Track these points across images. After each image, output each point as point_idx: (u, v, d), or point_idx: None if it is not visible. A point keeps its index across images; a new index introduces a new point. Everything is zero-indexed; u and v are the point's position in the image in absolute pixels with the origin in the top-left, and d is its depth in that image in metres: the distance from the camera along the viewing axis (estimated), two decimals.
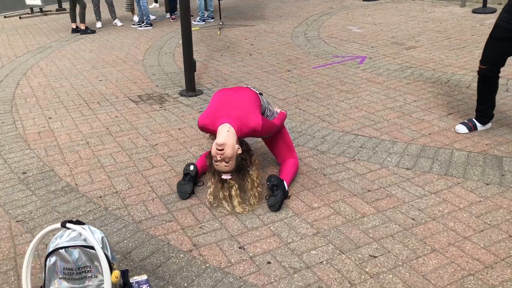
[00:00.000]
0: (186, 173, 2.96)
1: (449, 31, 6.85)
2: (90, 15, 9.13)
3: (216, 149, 2.51)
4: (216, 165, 2.57)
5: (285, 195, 2.77)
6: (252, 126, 2.59)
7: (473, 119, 3.61)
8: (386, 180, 2.97)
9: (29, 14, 10.47)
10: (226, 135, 2.53)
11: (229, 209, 2.66)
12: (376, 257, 2.28)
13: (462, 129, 3.56)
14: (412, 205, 2.70)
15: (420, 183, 2.93)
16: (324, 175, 3.07)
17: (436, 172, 3.04)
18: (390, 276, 2.16)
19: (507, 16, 3.15)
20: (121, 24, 8.76)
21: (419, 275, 2.16)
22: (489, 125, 3.61)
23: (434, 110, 4.05)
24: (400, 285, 2.10)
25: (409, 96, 4.41)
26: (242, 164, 2.63)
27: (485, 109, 3.54)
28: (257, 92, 2.92)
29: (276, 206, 2.67)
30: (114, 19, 8.84)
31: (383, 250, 2.33)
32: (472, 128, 3.56)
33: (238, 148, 2.58)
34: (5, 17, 10.25)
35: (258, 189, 2.71)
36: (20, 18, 10.03)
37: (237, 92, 2.78)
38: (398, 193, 2.82)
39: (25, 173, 3.18)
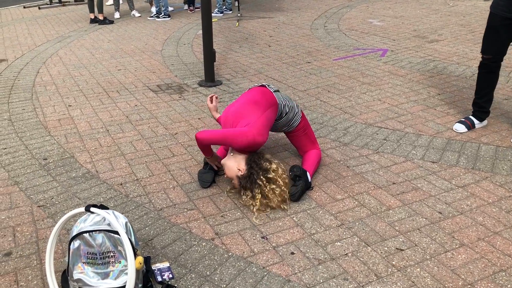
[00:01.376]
0: (207, 162, 2.93)
1: (473, 24, 6.72)
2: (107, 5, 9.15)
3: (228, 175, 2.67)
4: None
5: (308, 186, 2.73)
6: (245, 144, 2.55)
7: (470, 117, 3.50)
8: (412, 173, 2.91)
9: (48, 4, 10.53)
10: (228, 157, 2.66)
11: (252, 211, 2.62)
12: (403, 250, 2.23)
13: (461, 128, 3.45)
14: (439, 199, 2.64)
15: (446, 177, 2.86)
16: (348, 167, 3.01)
17: (463, 166, 2.97)
18: (418, 269, 2.11)
19: (502, 3, 3.06)
20: (139, 15, 8.76)
21: (448, 269, 2.10)
22: (485, 122, 3.51)
23: (459, 104, 3.96)
24: (428, 279, 2.05)
25: (433, 90, 4.32)
26: (256, 182, 2.58)
27: (483, 102, 3.42)
28: (272, 90, 2.86)
29: (295, 196, 2.63)
30: (132, 10, 8.85)
31: (410, 244, 2.27)
32: (470, 126, 3.46)
33: (239, 170, 2.58)
34: (24, 7, 10.32)
35: (279, 204, 2.61)
36: (39, 8, 10.10)
37: (243, 105, 2.71)
38: (424, 186, 2.76)
39: (46, 159, 3.19)
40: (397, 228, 2.40)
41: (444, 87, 4.38)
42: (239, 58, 5.69)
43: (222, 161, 2.67)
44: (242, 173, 2.57)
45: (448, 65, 5.02)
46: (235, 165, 2.59)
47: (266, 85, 2.91)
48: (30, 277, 2.11)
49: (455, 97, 4.12)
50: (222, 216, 2.53)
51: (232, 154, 2.65)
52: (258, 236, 2.36)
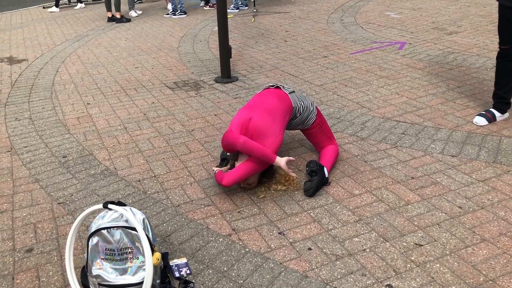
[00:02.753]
0: (223, 158, 2.94)
1: (493, 15, 6.57)
2: (124, 4, 9.22)
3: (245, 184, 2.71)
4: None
5: (324, 182, 2.71)
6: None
7: (491, 109, 3.42)
8: (431, 167, 2.87)
9: (66, 4, 10.66)
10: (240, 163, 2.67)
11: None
12: (422, 245, 2.20)
13: (481, 121, 3.37)
14: (458, 193, 2.59)
15: (466, 171, 2.81)
16: (365, 161, 2.98)
17: (484, 160, 2.91)
18: (438, 265, 2.07)
19: None
20: (136, 15, 8.66)
21: (469, 265, 2.07)
22: (506, 114, 3.42)
23: (479, 96, 3.88)
24: (448, 275, 2.01)
25: (452, 82, 4.25)
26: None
27: (504, 93, 3.34)
28: (288, 91, 2.84)
29: (310, 191, 2.61)
30: (130, 10, 8.78)
31: (429, 239, 2.24)
32: (491, 119, 3.37)
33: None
34: (43, 7, 10.47)
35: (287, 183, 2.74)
36: (44, 8, 10.21)
37: (261, 115, 2.68)
38: (444, 181, 2.72)
39: (65, 157, 3.23)
40: (416, 223, 2.36)
41: (463, 79, 4.30)
42: (255, 53, 5.67)
43: (250, 181, 2.70)
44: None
45: (468, 57, 4.92)
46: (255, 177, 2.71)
47: (281, 87, 2.89)
48: (51, 273, 2.15)
49: (475, 89, 4.04)
50: (239, 212, 2.53)
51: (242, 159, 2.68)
52: (275, 231, 2.36)
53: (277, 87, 2.89)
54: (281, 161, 2.59)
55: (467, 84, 4.17)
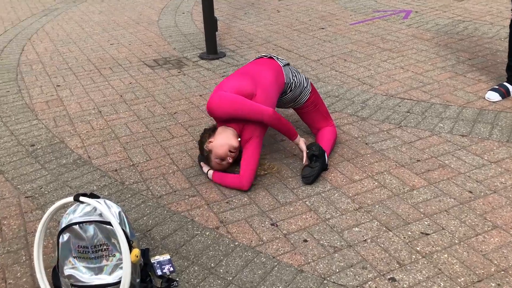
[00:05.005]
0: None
1: None
2: None
3: (229, 151, 2.62)
4: (218, 163, 2.66)
5: (324, 168, 2.71)
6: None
7: (505, 83, 3.43)
8: (438, 149, 2.87)
9: None
10: (218, 137, 2.66)
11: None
12: (428, 234, 2.22)
13: (494, 96, 3.37)
14: (469, 176, 2.60)
15: (478, 152, 2.82)
16: (366, 144, 2.99)
17: (497, 139, 2.93)
18: (445, 255, 2.09)
19: None
20: None
21: (479, 254, 2.09)
22: None
23: (492, 69, 3.88)
24: (457, 266, 2.03)
25: (462, 54, 4.24)
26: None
27: None
28: (282, 64, 2.84)
29: (310, 179, 2.62)
30: None
31: (436, 227, 2.26)
32: (505, 94, 3.38)
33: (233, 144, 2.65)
34: None
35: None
36: None
37: (241, 75, 2.73)
38: (453, 163, 2.73)
39: (34, 145, 3.21)
40: (422, 210, 2.38)
41: (475, 51, 4.29)
42: (244, 26, 5.63)
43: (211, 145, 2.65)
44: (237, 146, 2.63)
45: (480, 25, 4.91)
46: (231, 138, 2.62)
47: (275, 58, 2.88)
48: (19, 274, 2.15)
49: (487, 62, 4.04)
50: (227, 202, 2.54)
51: (220, 133, 2.64)
52: (267, 223, 2.37)
53: (270, 58, 2.88)
54: (301, 141, 2.72)
55: (479, 56, 4.17)
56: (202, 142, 2.71)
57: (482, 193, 2.47)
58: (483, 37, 4.60)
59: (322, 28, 5.30)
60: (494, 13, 5.26)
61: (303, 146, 2.71)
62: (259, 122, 2.60)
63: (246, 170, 2.61)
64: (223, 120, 2.64)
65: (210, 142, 2.64)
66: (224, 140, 2.60)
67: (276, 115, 2.57)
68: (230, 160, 2.64)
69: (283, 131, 2.63)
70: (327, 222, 2.35)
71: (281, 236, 2.27)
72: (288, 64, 2.88)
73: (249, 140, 2.63)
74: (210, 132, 2.70)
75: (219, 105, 2.58)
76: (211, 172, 2.71)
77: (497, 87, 3.42)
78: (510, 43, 3.34)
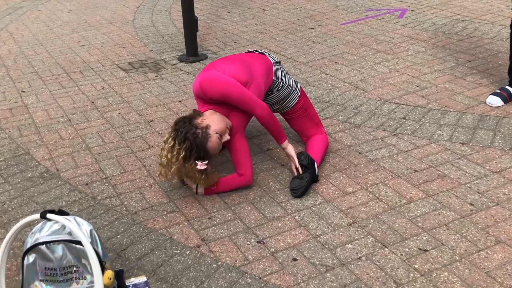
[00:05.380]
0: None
1: None
2: None
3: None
4: (218, 139, 2.55)
5: (314, 179, 2.72)
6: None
7: (507, 87, 3.49)
8: (437, 158, 2.90)
9: None
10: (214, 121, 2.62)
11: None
12: (427, 251, 2.23)
13: (496, 101, 3.42)
14: (470, 188, 2.63)
15: (479, 161, 2.85)
16: (360, 153, 3.01)
17: (499, 147, 2.97)
18: (446, 273, 2.11)
19: None
20: None
21: (482, 272, 2.11)
22: None
23: (493, 72, 3.94)
24: (458, 285, 2.05)
25: (462, 56, 4.30)
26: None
27: None
28: (272, 60, 2.87)
29: (299, 192, 2.62)
30: None
31: (435, 243, 2.27)
32: (507, 98, 3.43)
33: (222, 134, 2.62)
34: None
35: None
36: None
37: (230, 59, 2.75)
38: (452, 173, 2.75)
39: None
40: (420, 224, 2.40)
41: (475, 52, 4.36)
42: (228, 26, 5.65)
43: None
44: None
45: (480, 25, 4.99)
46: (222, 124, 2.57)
47: (267, 54, 2.90)
48: None
49: (488, 64, 4.10)
50: (209, 218, 2.53)
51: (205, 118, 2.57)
52: (253, 240, 2.36)
53: (262, 53, 2.90)
54: (289, 146, 2.72)
55: (479, 58, 4.23)
56: (190, 123, 2.50)
57: (484, 206, 2.50)
58: (483, 38, 4.67)
59: (311, 28, 5.34)
60: (495, 11, 5.35)
61: (291, 152, 2.70)
62: (246, 113, 2.63)
63: (245, 164, 2.64)
64: (211, 102, 2.60)
65: (203, 119, 2.54)
66: (220, 117, 2.57)
67: (269, 111, 2.59)
68: (228, 137, 2.58)
69: (272, 130, 2.64)
70: (318, 238, 2.35)
71: (268, 254, 2.27)
72: (279, 62, 2.91)
73: (236, 133, 2.64)
74: (196, 115, 2.57)
75: (214, 84, 2.53)
76: (201, 189, 2.70)
77: (498, 91, 3.47)
78: (511, 44, 3.40)
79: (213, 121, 2.53)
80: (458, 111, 3.39)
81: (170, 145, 2.47)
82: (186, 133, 2.46)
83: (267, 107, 2.59)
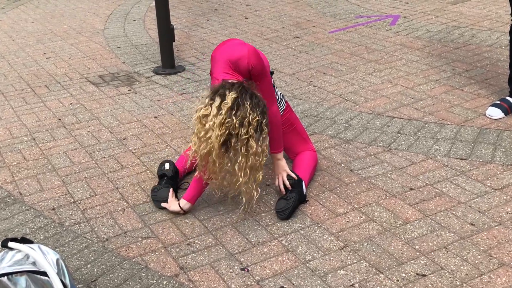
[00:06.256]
0: (162, 175, 2.93)
1: None
2: None
3: None
4: None
5: (301, 200, 2.73)
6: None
7: (507, 98, 3.54)
8: (434, 175, 2.93)
9: None
10: None
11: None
12: (425, 275, 2.24)
13: (496, 113, 3.48)
14: (470, 206, 2.66)
15: (479, 177, 2.88)
16: (351, 170, 3.02)
17: (500, 162, 3.00)
18: None
19: None
20: None
21: None
22: None
23: (493, 82, 4.00)
24: None
25: (459, 65, 4.37)
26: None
27: None
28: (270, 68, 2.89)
29: (285, 213, 2.63)
30: None
31: (434, 267, 2.29)
32: (508, 110, 3.49)
33: None
34: None
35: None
36: None
37: None
38: (451, 191, 2.78)
39: None
40: (417, 247, 2.41)
41: (473, 61, 4.43)
42: (207, 35, 5.68)
43: None
44: None
45: (477, 32, 5.08)
46: None
47: None
48: None
49: (487, 73, 4.17)
50: (188, 244, 2.52)
51: None
52: (236, 267, 2.36)
53: None
54: (283, 160, 2.81)
55: (478, 67, 4.29)
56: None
57: (486, 226, 2.52)
58: (481, 45, 4.75)
59: (297, 37, 5.38)
60: (493, 17, 5.45)
61: (284, 165, 2.79)
62: None
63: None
64: (234, 75, 2.54)
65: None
66: None
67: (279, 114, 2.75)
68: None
69: (275, 134, 2.71)
70: (307, 264, 2.35)
71: (253, 283, 2.27)
72: (272, 73, 2.92)
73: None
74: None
75: (260, 58, 2.57)
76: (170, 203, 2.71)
77: (499, 102, 3.53)
78: (511, 52, 3.46)
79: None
80: (456, 124, 3.43)
81: (227, 105, 2.32)
82: (253, 96, 2.38)
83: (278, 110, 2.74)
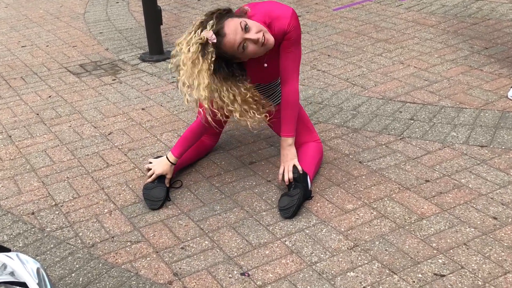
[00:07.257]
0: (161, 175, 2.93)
1: None
2: None
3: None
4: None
5: (306, 196, 2.73)
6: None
7: None
8: (452, 164, 2.93)
9: None
10: None
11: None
12: (444, 276, 2.25)
13: None
14: (492, 198, 2.66)
15: (502, 166, 2.88)
16: (360, 162, 3.03)
17: None
18: None
19: None
20: None
21: None
22: None
23: None
24: None
25: (477, 42, 4.36)
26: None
27: None
28: None
29: (289, 212, 2.63)
30: None
31: (454, 266, 2.29)
32: None
33: None
34: None
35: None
36: None
37: None
38: (471, 182, 2.78)
39: None
40: (434, 245, 2.41)
41: (492, 37, 4.41)
42: (198, 16, 5.65)
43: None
44: None
45: (497, 5, 5.06)
46: None
47: None
48: None
49: (509, 50, 4.16)
50: (182, 248, 2.53)
51: None
52: (235, 272, 2.36)
53: None
54: (293, 148, 2.85)
55: (498, 44, 4.28)
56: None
57: (510, 219, 2.52)
58: (501, 20, 4.73)
59: (298, 16, 5.36)
60: None
61: (294, 153, 2.82)
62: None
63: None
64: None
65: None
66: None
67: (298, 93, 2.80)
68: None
69: (289, 116, 2.78)
70: (313, 266, 2.36)
71: None
72: None
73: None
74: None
75: (299, 27, 2.65)
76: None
77: None
78: None
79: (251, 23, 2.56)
80: (475, 108, 3.43)
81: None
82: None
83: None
